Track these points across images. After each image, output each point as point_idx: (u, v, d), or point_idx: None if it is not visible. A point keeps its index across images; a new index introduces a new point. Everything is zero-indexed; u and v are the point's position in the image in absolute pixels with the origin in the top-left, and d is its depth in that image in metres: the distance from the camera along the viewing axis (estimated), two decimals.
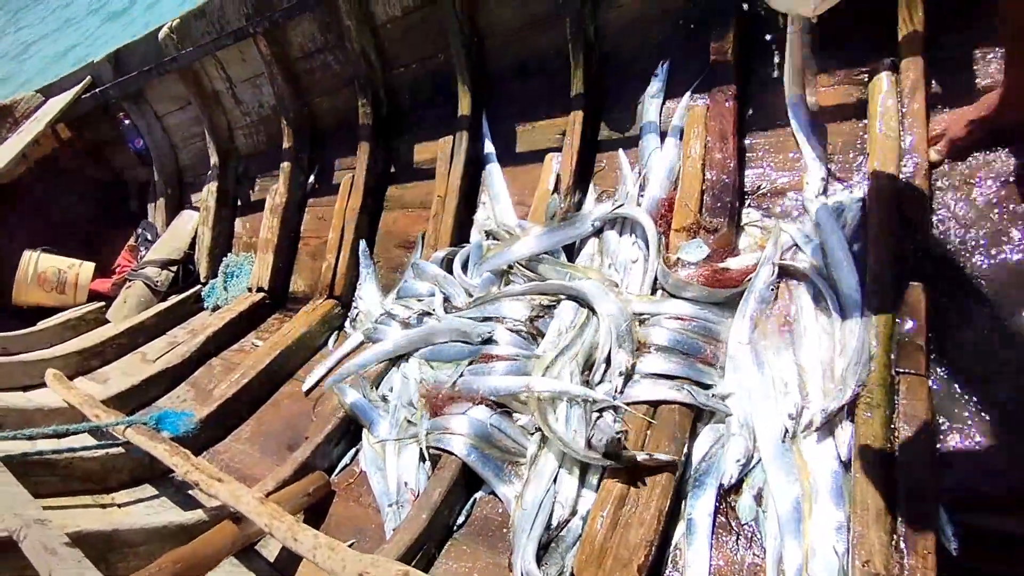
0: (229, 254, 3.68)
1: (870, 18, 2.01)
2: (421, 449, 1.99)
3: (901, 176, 1.77)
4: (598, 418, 1.79)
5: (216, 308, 3.46)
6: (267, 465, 2.26)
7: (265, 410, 2.60)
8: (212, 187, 3.80)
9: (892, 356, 1.54)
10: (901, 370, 1.52)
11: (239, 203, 3.86)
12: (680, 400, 1.72)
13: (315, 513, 1.98)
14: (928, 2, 1.86)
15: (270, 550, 1.89)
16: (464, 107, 2.85)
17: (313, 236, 3.37)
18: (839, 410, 1.54)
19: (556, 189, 2.48)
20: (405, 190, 3.09)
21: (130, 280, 3.68)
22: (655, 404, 1.76)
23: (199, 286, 3.67)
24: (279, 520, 1.43)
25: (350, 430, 2.23)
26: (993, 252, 1.62)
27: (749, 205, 2.11)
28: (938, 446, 1.44)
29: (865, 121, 1.94)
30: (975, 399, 1.48)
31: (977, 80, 1.81)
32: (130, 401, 2.70)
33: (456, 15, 2.77)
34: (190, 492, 2.23)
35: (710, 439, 1.67)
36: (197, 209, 3.93)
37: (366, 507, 1.99)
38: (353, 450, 2.20)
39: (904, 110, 1.85)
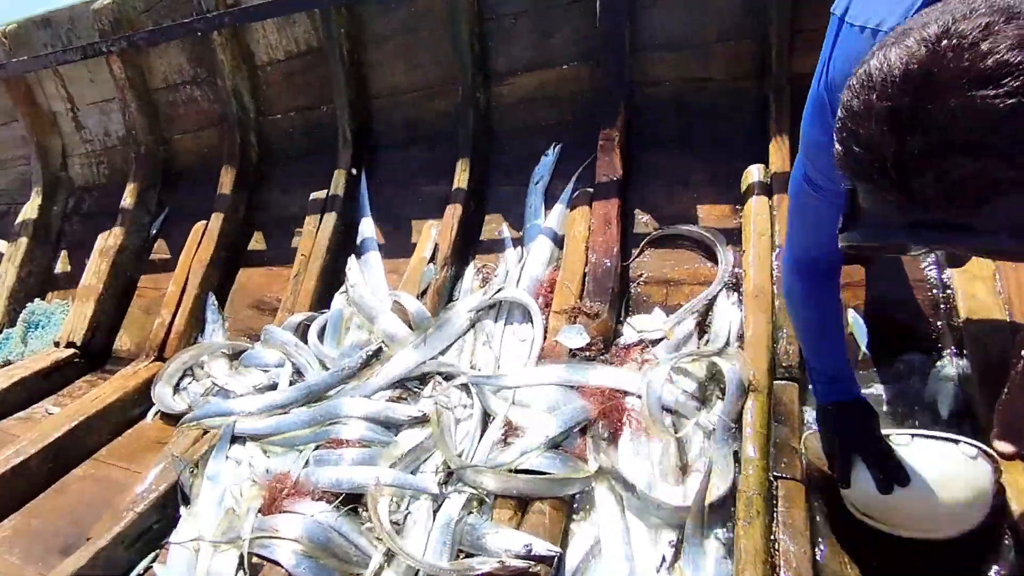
0: (37, 299, 3.07)
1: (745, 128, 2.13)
2: (242, 555, 1.61)
3: (774, 274, 1.80)
4: (464, 517, 1.55)
5: (7, 364, 2.82)
6: None
7: (44, 499, 2.04)
8: (29, 219, 3.21)
9: (769, 460, 1.48)
10: (778, 475, 1.45)
11: (62, 242, 3.28)
12: (551, 495, 1.53)
13: None
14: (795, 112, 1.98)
15: None
16: (343, 164, 2.66)
17: (151, 288, 2.89)
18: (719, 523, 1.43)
19: (433, 259, 2.31)
20: (266, 246, 2.77)
21: None
22: (524, 500, 1.56)
23: None
24: None
25: (151, 529, 1.79)
26: None
27: (629, 295, 2.06)
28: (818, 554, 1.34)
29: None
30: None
31: None
32: None
33: (343, 69, 2.61)
34: None
35: (585, 546, 1.48)
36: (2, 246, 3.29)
37: None
38: (150, 556, 1.75)
39: (775, 212, 1.91)
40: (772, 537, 1.36)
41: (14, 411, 2.49)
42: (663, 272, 2.07)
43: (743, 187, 2.04)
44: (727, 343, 1.76)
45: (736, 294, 1.89)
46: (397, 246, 2.47)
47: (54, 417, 2.26)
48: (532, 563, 1.39)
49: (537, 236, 2.22)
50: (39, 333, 2.85)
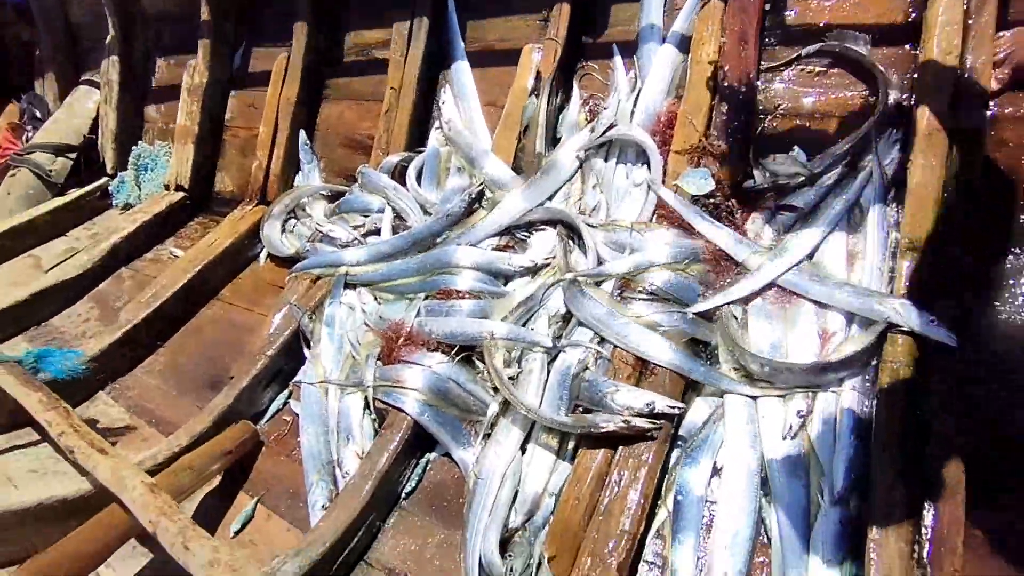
0: (140, 142, 3.10)
1: None
2: (367, 398, 1.72)
3: (958, 112, 1.46)
4: (580, 372, 1.54)
5: (128, 207, 2.96)
6: (184, 407, 1.93)
7: (183, 336, 2.24)
8: (114, 56, 3.12)
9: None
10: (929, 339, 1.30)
11: (150, 80, 3.21)
12: (672, 366, 1.47)
13: (237, 471, 1.70)
14: None
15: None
16: None
17: (241, 127, 2.84)
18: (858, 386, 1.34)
19: (535, 89, 2.06)
20: (352, 78, 2.58)
21: (14, 167, 3.07)
22: (643, 361, 1.51)
23: (105, 179, 3.11)
24: (170, 519, 1.12)
25: (282, 370, 1.92)
26: None
27: (761, 131, 1.77)
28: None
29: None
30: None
31: None
32: (15, 320, 2.28)
33: None
34: None
35: (704, 412, 1.45)
36: (98, 83, 3.26)
37: (299, 462, 1.71)
38: (285, 394, 1.90)
39: (971, 21, 1.50)
40: (918, 413, 1.25)
41: (141, 253, 2.66)
42: (804, 101, 1.74)
43: None
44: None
45: (898, 132, 1.57)
46: (494, 74, 2.21)
47: (179, 261, 2.39)
48: (655, 421, 1.37)
49: (654, 59, 1.91)
50: (150, 176, 2.93)
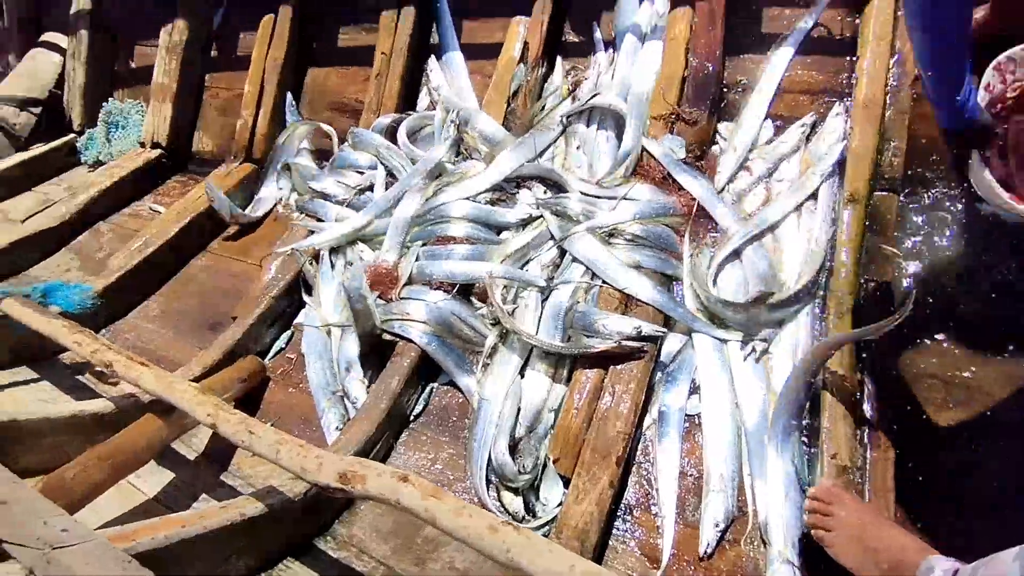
0: (111, 99, 3.06)
1: None
2: (374, 335, 1.84)
3: (888, 87, 1.74)
4: (572, 305, 1.72)
5: (98, 164, 2.92)
6: (185, 348, 2.00)
7: (175, 285, 2.28)
8: (83, 7, 3.05)
9: (861, 266, 1.58)
10: (869, 278, 1.56)
11: (120, 35, 3.16)
12: (653, 302, 1.67)
13: (247, 403, 1.79)
14: None
15: (200, 439, 1.70)
16: None
17: (223, 87, 2.86)
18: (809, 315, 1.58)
19: (523, 59, 2.23)
20: (339, 42, 2.66)
21: None
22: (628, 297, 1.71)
23: (72, 135, 3.05)
24: (226, 412, 1.24)
25: (285, 311, 2.01)
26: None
27: (725, 102, 2.01)
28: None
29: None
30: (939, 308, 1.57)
31: None
32: None
33: None
34: (80, 377, 1.93)
35: (679, 340, 1.66)
36: (56, 45, 3.18)
37: (306, 394, 1.83)
38: (288, 333, 2.00)
39: (900, 14, 1.78)
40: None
41: (119, 208, 2.65)
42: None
43: None
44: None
45: (842, 105, 1.84)
46: (481, 44, 2.36)
47: (167, 213, 2.41)
48: (643, 343, 1.58)
49: (631, 36, 2.11)
50: (121, 133, 2.90)
